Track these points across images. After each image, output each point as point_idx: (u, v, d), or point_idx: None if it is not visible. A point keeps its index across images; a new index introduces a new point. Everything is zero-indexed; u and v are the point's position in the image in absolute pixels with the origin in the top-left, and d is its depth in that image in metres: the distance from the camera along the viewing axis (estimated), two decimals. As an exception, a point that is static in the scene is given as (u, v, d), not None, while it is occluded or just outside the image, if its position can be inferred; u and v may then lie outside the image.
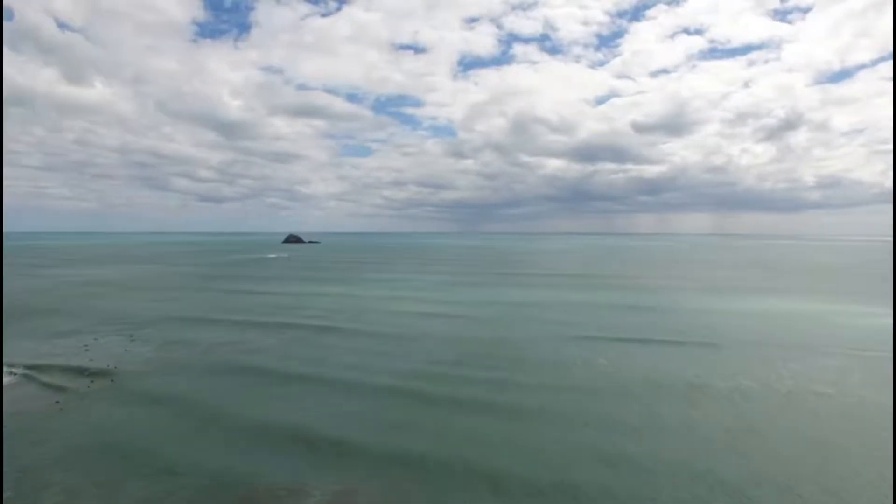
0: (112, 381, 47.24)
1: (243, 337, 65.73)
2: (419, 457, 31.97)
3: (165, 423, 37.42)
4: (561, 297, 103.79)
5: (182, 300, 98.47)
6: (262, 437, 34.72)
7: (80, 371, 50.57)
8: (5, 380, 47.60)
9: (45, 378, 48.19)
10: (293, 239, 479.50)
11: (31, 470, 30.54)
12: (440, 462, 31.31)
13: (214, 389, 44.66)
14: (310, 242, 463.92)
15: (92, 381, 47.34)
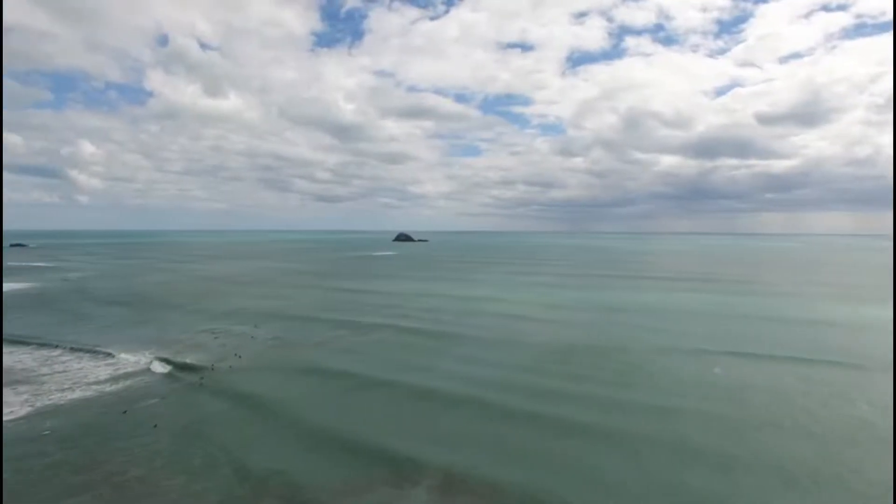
0: (212, 373, 51.24)
1: (340, 337, 67.63)
2: (490, 485, 29.37)
3: (247, 422, 39.17)
4: (676, 303, 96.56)
5: (293, 297, 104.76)
6: (328, 447, 34.22)
7: (183, 366, 55.09)
8: (123, 366, 53.33)
9: (157, 368, 53.40)
10: (403, 237, 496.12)
11: (124, 447, 33.67)
12: (514, 496, 28.40)
13: (299, 391, 45.68)
14: (419, 241, 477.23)
15: (201, 376, 51.37)
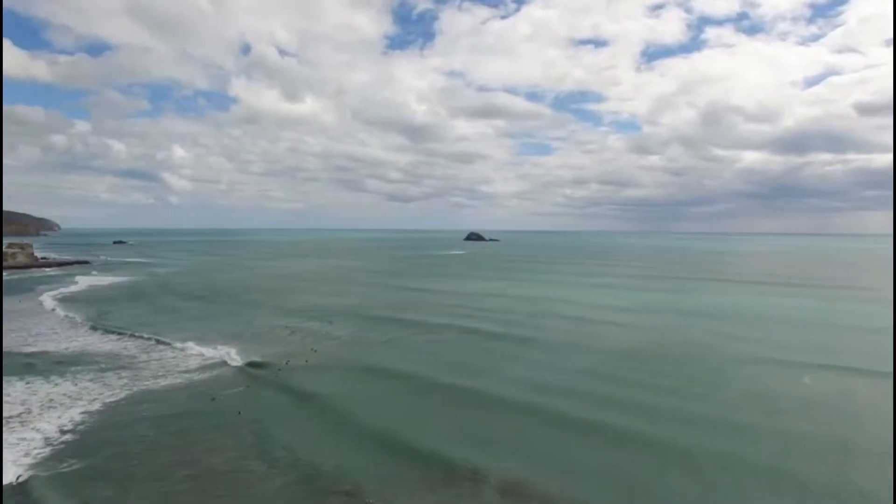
0: (289, 367, 54.70)
1: (408, 337, 69.80)
2: (545, 497, 29.03)
3: (319, 416, 41.67)
4: (759, 308, 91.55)
5: (364, 296, 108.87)
6: (390, 450, 34.98)
7: (263, 359, 59.04)
8: (209, 356, 57.90)
9: (239, 360, 57.66)
10: (474, 237, 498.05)
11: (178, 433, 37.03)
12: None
13: (366, 391, 47.48)
14: (490, 240, 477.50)
15: (279, 368, 55.05)
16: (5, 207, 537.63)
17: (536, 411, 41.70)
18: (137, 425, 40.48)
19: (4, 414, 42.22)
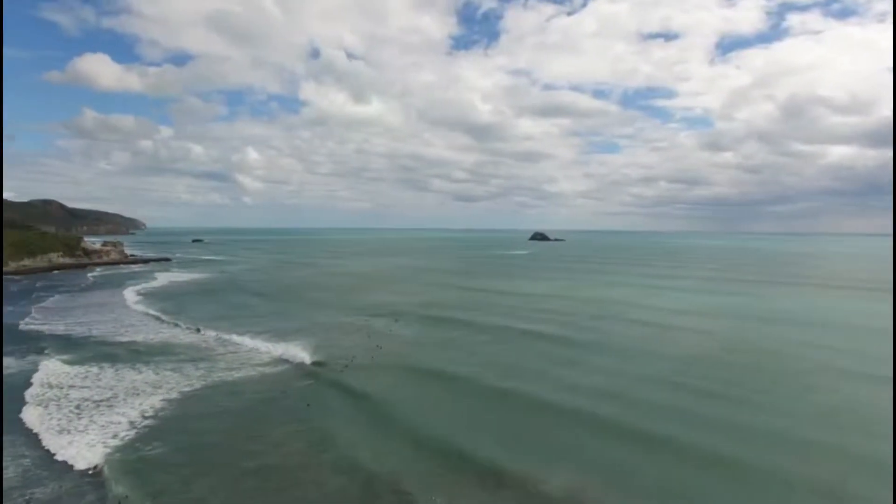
0: (354, 363, 56.05)
1: (469, 338, 69.54)
2: None
3: (381, 414, 42.34)
4: (845, 315, 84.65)
5: (428, 295, 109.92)
6: (446, 456, 34.60)
7: (330, 355, 60.95)
8: (279, 351, 60.34)
9: (307, 355, 59.85)
10: (539, 236, 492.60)
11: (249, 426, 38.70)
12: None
13: (416, 394, 47.30)
14: (555, 240, 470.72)
15: (346, 364, 56.63)
16: (102, 208, 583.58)
17: (595, 420, 40.50)
18: (213, 414, 42.82)
19: (97, 398, 46.10)
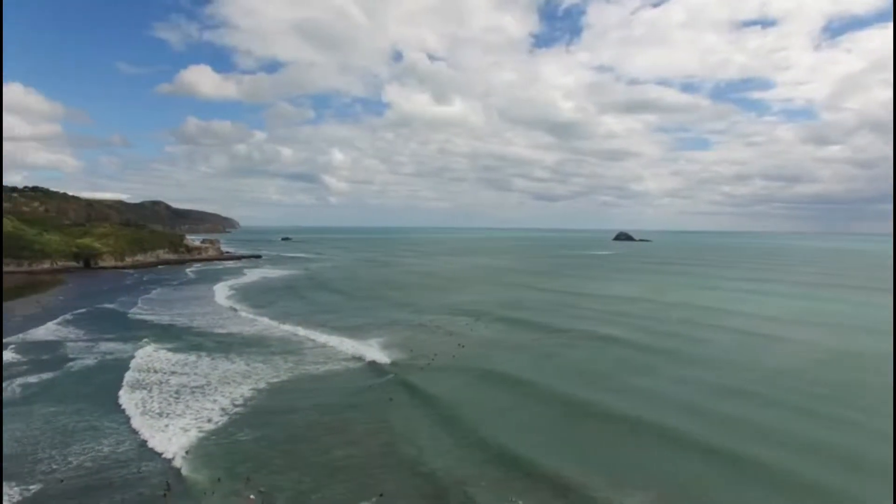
0: (435, 361, 56.09)
1: (542, 342, 67.22)
2: None
3: (440, 416, 41.55)
4: None
5: (508, 296, 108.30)
6: (515, 465, 33.30)
7: (412, 351, 61.11)
8: (362, 346, 61.37)
9: (390, 351, 60.43)
10: (623, 237, 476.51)
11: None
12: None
13: (488, 399, 45.85)
14: (640, 241, 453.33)
15: (428, 361, 56.71)
16: (202, 208, 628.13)
17: (674, 435, 37.49)
18: (299, 405, 44.12)
19: (193, 384, 48.78)
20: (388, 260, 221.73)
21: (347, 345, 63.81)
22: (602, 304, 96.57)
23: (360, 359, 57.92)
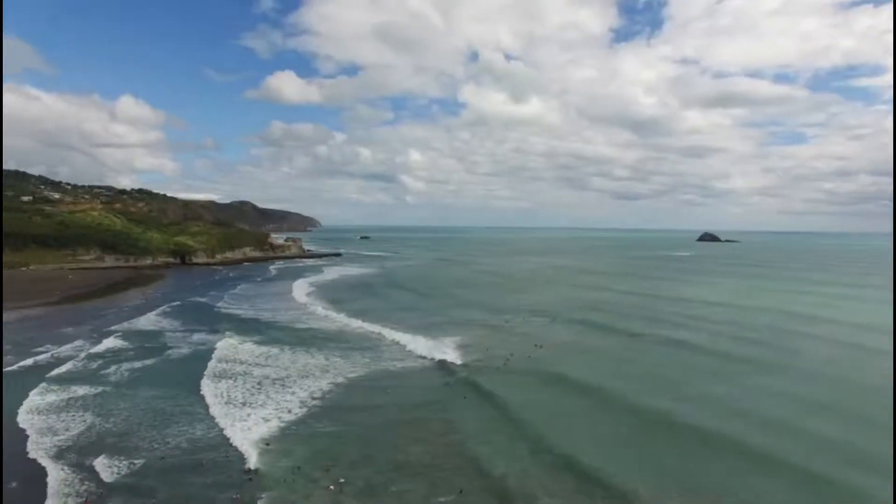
0: (511, 361, 56.22)
1: (617, 346, 65.52)
2: None
3: (502, 424, 40.96)
4: None
5: (584, 298, 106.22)
6: (587, 478, 32.56)
7: (489, 350, 61.96)
8: (437, 345, 62.63)
9: (466, 349, 61.32)
10: (707, 237, 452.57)
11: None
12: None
13: (557, 405, 44.95)
14: (727, 241, 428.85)
15: (504, 361, 57.14)
16: (285, 207, 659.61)
17: (752, 452, 35.37)
18: (375, 400, 45.85)
19: (274, 376, 51.70)
20: (464, 259, 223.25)
21: (422, 343, 65.00)
22: (682, 308, 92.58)
23: (434, 357, 58.92)
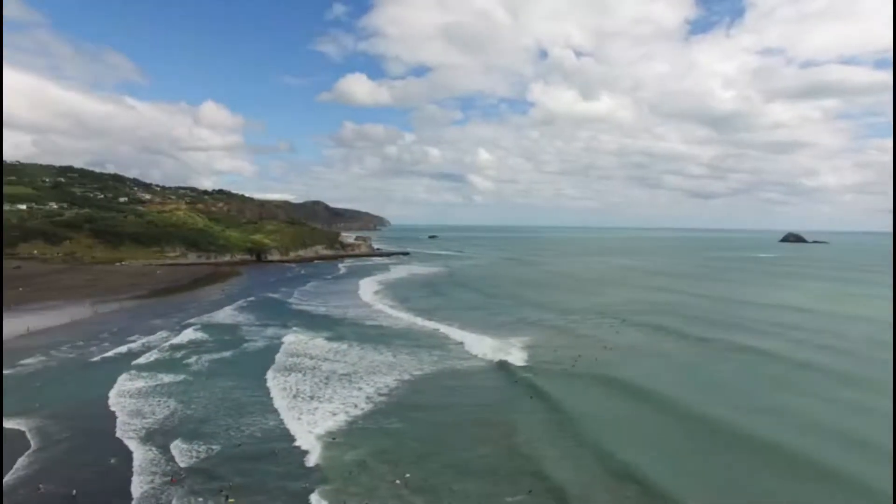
0: (580, 362, 55.46)
1: (689, 354, 62.67)
2: None
3: (565, 427, 40.49)
4: None
5: (653, 299, 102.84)
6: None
7: (556, 352, 61.48)
8: (504, 344, 62.69)
9: (533, 349, 61.08)
10: (792, 238, 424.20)
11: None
12: None
13: (622, 413, 43.62)
14: (814, 242, 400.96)
15: (573, 363, 56.55)
16: (355, 207, 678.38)
17: (827, 474, 32.81)
18: (441, 398, 46.56)
19: (342, 371, 53.32)
20: (532, 259, 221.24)
21: (489, 343, 65.15)
22: (762, 314, 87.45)
23: (500, 358, 58.73)
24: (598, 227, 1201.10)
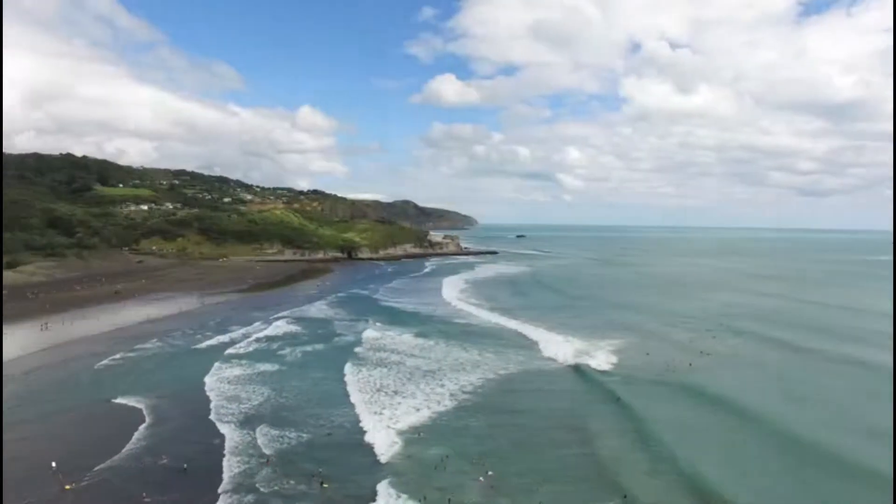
0: (672, 368, 53.23)
1: (790, 367, 57.72)
2: None
3: (645, 440, 38.99)
4: None
5: (753, 304, 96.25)
6: None
7: (646, 356, 59.58)
8: (588, 347, 61.19)
9: (620, 353, 59.28)
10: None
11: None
12: None
13: (711, 427, 41.11)
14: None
15: (666, 367, 54.52)
16: (444, 206, 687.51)
17: None
18: (524, 398, 46.21)
19: (425, 367, 53.99)
20: (623, 260, 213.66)
21: (576, 345, 63.79)
22: (873, 324, 78.43)
23: (587, 362, 57.31)
24: (696, 227, 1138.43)
